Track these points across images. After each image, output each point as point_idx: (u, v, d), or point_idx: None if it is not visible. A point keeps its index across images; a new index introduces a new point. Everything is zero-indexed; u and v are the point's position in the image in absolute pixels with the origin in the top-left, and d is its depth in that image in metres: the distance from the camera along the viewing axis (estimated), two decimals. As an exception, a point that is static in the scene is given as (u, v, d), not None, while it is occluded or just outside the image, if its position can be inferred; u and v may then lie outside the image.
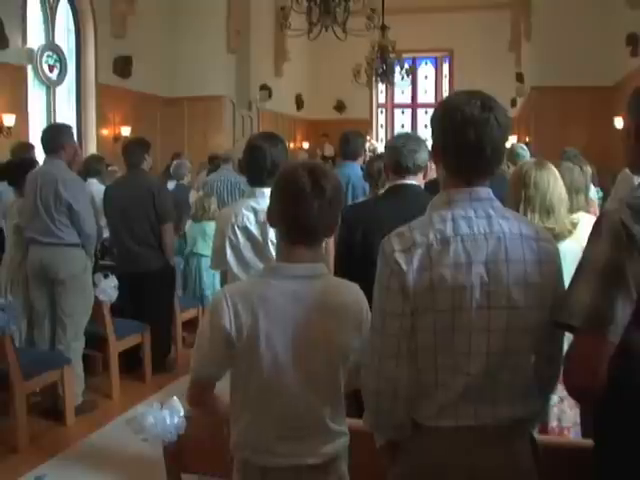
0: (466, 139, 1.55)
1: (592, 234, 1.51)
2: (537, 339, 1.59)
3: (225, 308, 1.72)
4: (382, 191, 3.49)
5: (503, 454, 1.58)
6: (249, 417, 1.78)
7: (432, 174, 3.01)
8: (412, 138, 2.93)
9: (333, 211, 1.77)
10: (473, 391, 1.55)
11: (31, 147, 6.39)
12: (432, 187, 3.59)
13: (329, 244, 3.01)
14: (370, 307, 1.77)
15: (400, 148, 2.86)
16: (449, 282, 1.51)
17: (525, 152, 5.14)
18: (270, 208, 1.82)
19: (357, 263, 2.77)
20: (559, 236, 2.49)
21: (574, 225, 2.66)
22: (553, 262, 1.61)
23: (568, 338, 1.60)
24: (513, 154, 5.06)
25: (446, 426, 1.57)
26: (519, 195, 2.61)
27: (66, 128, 4.65)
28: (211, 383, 1.85)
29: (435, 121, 1.66)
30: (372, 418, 1.68)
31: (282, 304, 1.72)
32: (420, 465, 1.61)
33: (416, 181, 2.88)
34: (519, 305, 1.54)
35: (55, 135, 4.45)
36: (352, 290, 1.82)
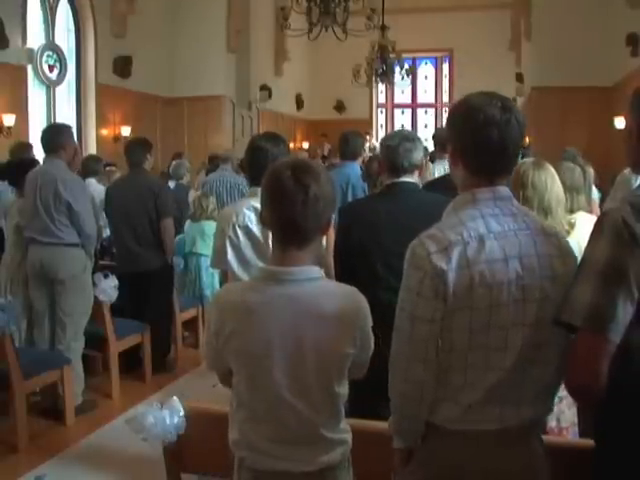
0: (490, 139, 1.58)
1: (593, 233, 1.51)
2: (563, 332, 1.60)
3: (213, 316, 1.76)
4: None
5: (523, 455, 1.60)
6: (244, 416, 1.77)
7: (428, 172, 3.01)
8: (407, 137, 2.90)
9: (321, 208, 1.67)
10: (501, 389, 1.56)
11: (30, 147, 6.39)
12: (430, 188, 3.61)
13: (329, 243, 3.01)
14: (371, 308, 1.77)
15: (396, 147, 2.85)
16: (488, 279, 1.53)
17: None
18: (261, 209, 1.79)
19: (355, 259, 2.79)
20: (558, 236, 2.49)
21: (572, 225, 2.66)
22: (573, 256, 1.64)
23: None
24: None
25: (470, 429, 1.57)
26: (517, 195, 2.61)
27: (66, 128, 4.64)
28: (229, 371, 1.82)
29: (454, 122, 1.67)
30: (398, 423, 1.69)
31: (272, 310, 1.68)
32: (441, 467, 1.61)
33: (412, 179, 2.89)
34: (550, 297, 1.56)
35: (55, 135, 4.44)
36: (348, 295, 1.74)
